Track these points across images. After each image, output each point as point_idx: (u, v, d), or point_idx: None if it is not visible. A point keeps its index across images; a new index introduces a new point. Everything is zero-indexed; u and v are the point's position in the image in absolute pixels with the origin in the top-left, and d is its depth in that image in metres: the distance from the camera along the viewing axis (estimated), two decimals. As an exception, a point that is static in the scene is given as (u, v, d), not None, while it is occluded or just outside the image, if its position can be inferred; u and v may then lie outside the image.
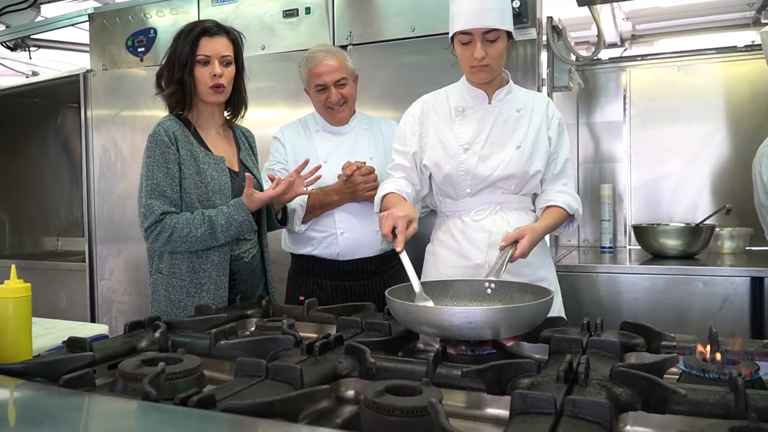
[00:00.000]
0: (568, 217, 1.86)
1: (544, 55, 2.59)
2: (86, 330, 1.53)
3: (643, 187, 3.35)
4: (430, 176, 1.91)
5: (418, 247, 1.94)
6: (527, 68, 2.48)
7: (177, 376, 1.00)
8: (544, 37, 2.57)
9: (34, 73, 4.69)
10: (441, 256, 1.91)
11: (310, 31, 2.82)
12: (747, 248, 2.91)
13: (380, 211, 1.81)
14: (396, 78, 2.66)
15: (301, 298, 1.77)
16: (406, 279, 1.45)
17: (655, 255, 2.81)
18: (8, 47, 3.87)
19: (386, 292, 1.35)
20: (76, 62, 4.33)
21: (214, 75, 1.90)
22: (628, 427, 0.90)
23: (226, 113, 2.07)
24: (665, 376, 1.02)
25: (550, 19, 2.58)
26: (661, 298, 2.47)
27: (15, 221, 4.13)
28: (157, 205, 1.85)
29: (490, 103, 1.88)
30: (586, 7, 2.68)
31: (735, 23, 3.46)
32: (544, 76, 2.61)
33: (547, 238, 1.87)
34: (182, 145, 1.90)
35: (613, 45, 3.57)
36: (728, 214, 2.90)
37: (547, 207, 1.84)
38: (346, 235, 2.15)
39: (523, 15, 2.44)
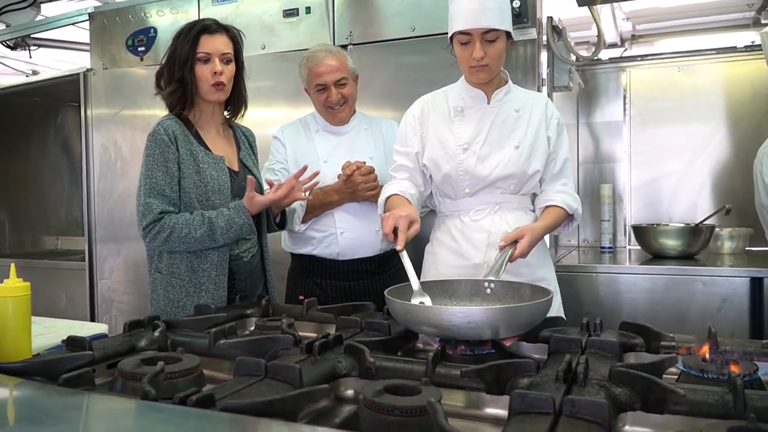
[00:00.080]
0: (568, 217, 1.86)
1: (544, 55, 2.60)
2: (86, 329, 1.53)
3: (642, 187, 3.35)
4: (430, 176, 1.91)
5: (417, 247, 1.94)
6: (527, 68, 2.48)
7: (176, 376, 1.00)
8: (544, 37, 2.57)
9: (34, 72, 4.69)
10: (440, 255, 1.91)
11: (310, 30, 2.82)
12: (747, 248, 2.91)
13: (384, 212, 1.81)
14: (396, 78, 2.66)
15: (301, 297, 1.77)
16: (406, 279, 1.45)
17: (654, 255, 2.81)
18: (8, 46, 3.87)
19: (386, 292, 1.35)
20: (77, 61, 4.33)
21: (215, 72, 1.90)
22: (626, 427, 0.90)
23: (226, 112, 2.07)
24: (664, 376, 1.02)
25: (550, 19, 2.58)
26: (660, 298, 2.47)
27: (15, 220, 4.13)
28: (156, 204, 1.85)
29: (489, 103, 1.88)
30: (586, 8, 2.68)
31: (735, 24, 3.46)
32: (544, 76, 2.61)
33: (546, 237, 1.87)
34: (182, 145, 1.90)
35: (613, 45, 3.58)
36: (728, 215, 2.90)
37: (547, 207, 1.84)
38: (346, 235, 2.16)
39: (523, 15, 2.44)
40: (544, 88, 2.58)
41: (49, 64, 4.63)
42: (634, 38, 3.70)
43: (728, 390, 0.89)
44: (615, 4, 3.12)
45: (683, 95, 3.25)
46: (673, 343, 1.21)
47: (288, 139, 2.25)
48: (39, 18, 3.78)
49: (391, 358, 1.11)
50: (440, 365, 1.05)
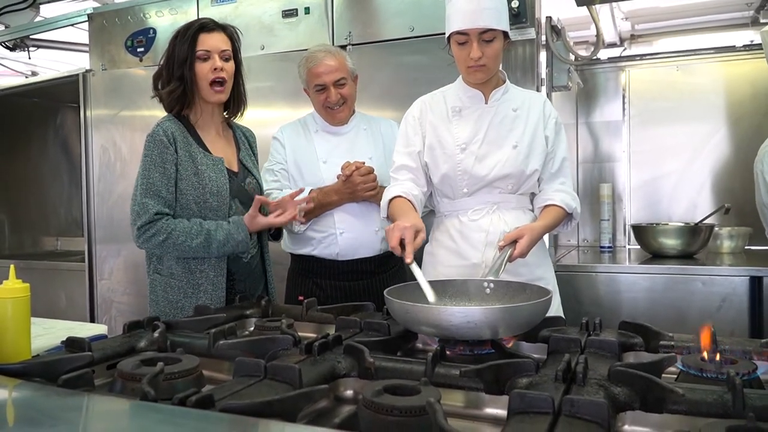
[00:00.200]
0: (567, 216, 1.86)
1: (543, 55, 2.60)
2: (85, 330, 1.53)
3: (642, 186, 3.35)
4: (429, 177, 1.91)
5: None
6: (526, 68, 2.48)
7: (176, 376, 1.00)
8: (543, 37, 2.57)
9: (34, 73, 4.69)
10: (439, 255, 1.91)
11: (310, 31, 2.82)
12: (746, 248, 2.92)
13: (387, 215, 1.80)
14: (395, 78, 2.66)
15: (301, 298, 1.78)
16: (406, 279, 1.45)
17: (654, 254, 2.81)
18: (7, 47, 3.87)
19: (385, 292, 1.35)
20: (76, 62, 4.33)
21: (215, 69, 1.90)
22: (626, 427, 0.90)
23: (225, 112, 2.07)
24: (663, 375, 1.02)
25: (549, 18, 2.58)
26: (660, 297, 2.48)
27: (14, 221, 4.13)
28: (152, 205, 1.85)
29: (486, 102, 1.88)
30: (585, 7, 2.68)
31: (734, 23, 3.46)
32: (543, 75, 2.61)
33: (545, 237, 1.87)
34: (181, 146, 1.90)
35: (612, 45, 3.58)
36: (727, 214, 2.90)
37: (546, 206, 1.84)
38: (346, 235, 2.16)
39: (522, 15, 2.44)
40: (543, 88, 2.58)
41: (49, 65, 4.63)
42: (633, 38, 3.69)
43: (727, 389, 0.89)
44: (614, 4, 3.12)
45: (682, 95, 3.25)
46: (672, 343, 1.21)
47: (287, 139, 2.25)
48: (38, 19, 3.78)
49: (391, 359, 1.11)
50: (439, 365, 1.05)
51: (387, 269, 2.23)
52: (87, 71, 3.37)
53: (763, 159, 2.56)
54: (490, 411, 0.99)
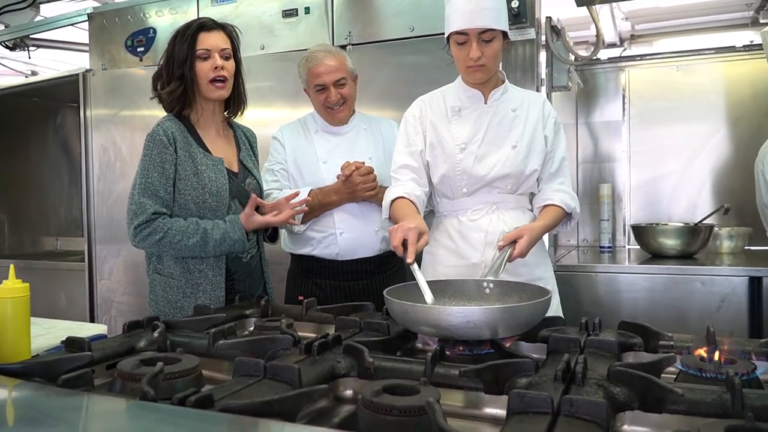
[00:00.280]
0: (566, 216, 1.86)
1: (543, 55, 2.60)
2: (85, 330, 1.53)
3: (642, 186, 3.35)
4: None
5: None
6: (526, 68, 2.48)
7: (175, 376, 1.00)
8: (543, 37, 2.57)
9: (34, 73, 4.69)
10: (438, 255, 1.91)
11: (310, 30, 2.82)
12: (746, 248, 2.92)
13: (389, 216, 1.80)
14: (395, 78, 2.66)
15: (300, 298, 1.78)
16: (405, 279, 1.45)
17: (654, 255, 2.81)
18: (7, 47, 3.87)
19: (385, 292, 1.35)
20: (76, 62, 4.33)
21: (216, 68, 1.90)
22: (625, 427, 0.90)
23: (225, 112, 2.06)
24: (663, 375, 1.02)
25: (549, 19, 2.58)
26: (659, 297, 2.48)
27: (14, 221, 4.13)
28: (149, 204, 1.85)
29: (486, 102, 1.88)
30: (585, 7, 2.68)
31: (733, 23, 3.46)
32: (543, 76, 2.61)
33: (545, 237, 1.87)
34: (180, 146, 1.90)
35: (612, 45, 3.58)
36: (726, 214, 2.90)
37: (545, 206, 1.84)
38: (345, 236, 2.16)
39: (522, 15, 2.44)
40: (543, 88, 2.59)
41: (48, 64, 4.63)
42: (633, 38, 3.70)
43: (726, 389, 0.89)
44: (614, 4, 3.12)
45: (682, 95, 3.25)
46: (672, 343, 1.21)
47: (287, 139, 2.25)
48: (38, 18, 3.78)
49: (390, 358, 1.11)
50: (439, 365, 1.05)
51: (387, 269, 2.23)
52: (87, 71, 3.37)
53: (763, 159, 2.56)
54: (490, 411, 0.99)
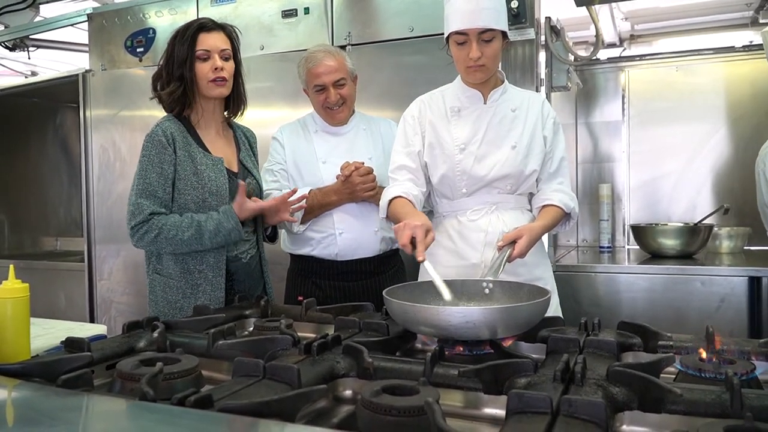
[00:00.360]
0: (565, 216, 1.86)
1: (542, 55, 2.60)
2: (84, 330, 1.53)
3: (641, 186, 3.36)
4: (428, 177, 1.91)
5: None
6: (525, 68, 2.48)
7: (175, 376, 1.01)
8: (543, 37, 2.57)
9: (33, 73, 4.69)
10: (438, 256, 1.90)
11: (309, 31, 2.83)
12: (745, 248, 2.92)
13: (387, 215, 1.80)
14: (395, 78, 2.66)
15: (300, 298, 1.78)
16: (405, 279, 1.45)
17: (653, 255, 2.81)
18: (7, 47, 3.87)
19: (384, 292, 1.35)
20: (75, 62, 4.33)
21: (215, 68, 1.90)
22: (624, 427, 0.90)
23: (225, 112, 2.06)
24: (662, 375, 1.02)
25: (548, 19, 2.58)
26: (659, 297, 2.48)
27: (14, 221, 4.13)
28: (147, 205, 1.85)
29: (485, 103, 1.88)
30: (585, 8, 2.68)
31: (733, 23, 3.47)
32: (543, 76, 2.61)
33: (544, 237, 1.87)
34: (180, 147, 1.90)
35: (611, 45, 3.58)
36: (726, 214, 2.90)
37: (544, 206, 1.84)
38: (345, 236, 2.16)
39: (521, 15, 2.44)
40: (543, 88, 2.58)
41: (48, 65, 4.63)
42: (633, 38, 3.70)
43: (725, 389, 0.89)
44: (613, 4, 3.12)
45: (682, 95, 3.25)
46: (671, 343, 1.21)
47: (287, 139, 2.25)
48: (38, 19, 3.78)
49: (390, 359, 1.11)
50: (438, 365, 1.05)
51: (386, 270, 2.23)
52: (87, 71, 3.37)
53: (764, 159, 2.56)
54: (489, 411, 0.99)
